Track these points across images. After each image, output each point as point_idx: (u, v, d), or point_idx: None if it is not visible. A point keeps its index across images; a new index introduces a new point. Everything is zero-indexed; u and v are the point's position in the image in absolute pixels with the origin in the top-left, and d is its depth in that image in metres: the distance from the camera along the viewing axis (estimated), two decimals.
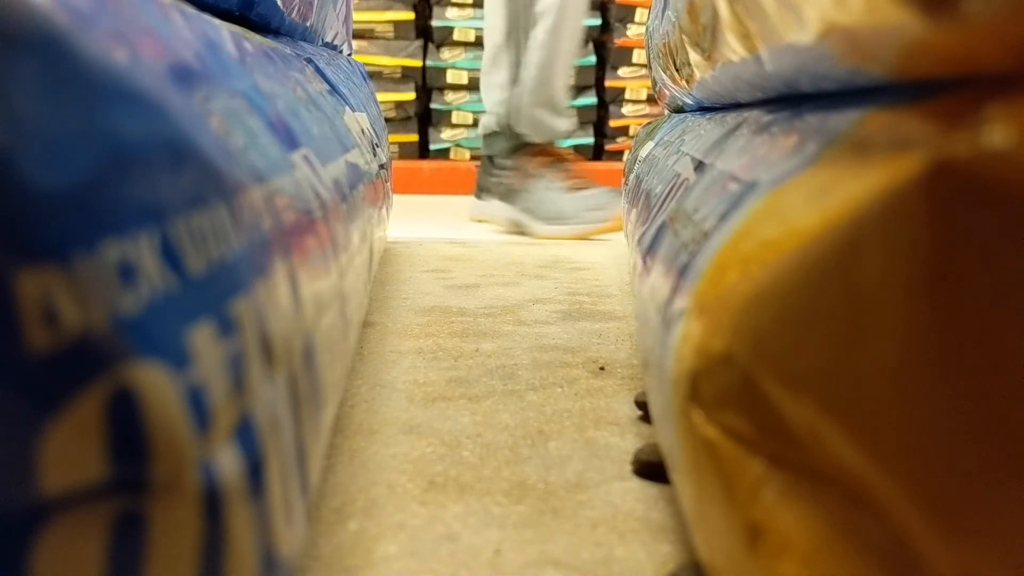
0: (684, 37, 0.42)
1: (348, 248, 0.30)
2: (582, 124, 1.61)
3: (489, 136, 1.05)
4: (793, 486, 0.15)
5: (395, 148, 1.59)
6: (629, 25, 1.63)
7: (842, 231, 0.15)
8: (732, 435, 0.17)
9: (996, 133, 0.12)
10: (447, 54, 1.60)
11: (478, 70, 1.13)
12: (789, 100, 0.29)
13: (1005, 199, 0.11)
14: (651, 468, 0.30)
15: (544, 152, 1.02)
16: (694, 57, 0.41)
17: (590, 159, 1.61)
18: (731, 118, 0.36)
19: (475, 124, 1.53)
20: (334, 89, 0.44)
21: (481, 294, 0.60)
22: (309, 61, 0.42)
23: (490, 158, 1.05)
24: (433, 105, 1.62)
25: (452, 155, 1.63)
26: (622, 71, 1.64)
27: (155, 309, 0.12)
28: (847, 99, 0.21)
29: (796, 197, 0.19)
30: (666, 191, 0.38)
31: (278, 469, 0.16)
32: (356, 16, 1.41)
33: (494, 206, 1.04)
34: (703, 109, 0.51)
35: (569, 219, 0.97)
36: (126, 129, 0.13)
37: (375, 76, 1.53)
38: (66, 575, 0.10)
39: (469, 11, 1.58)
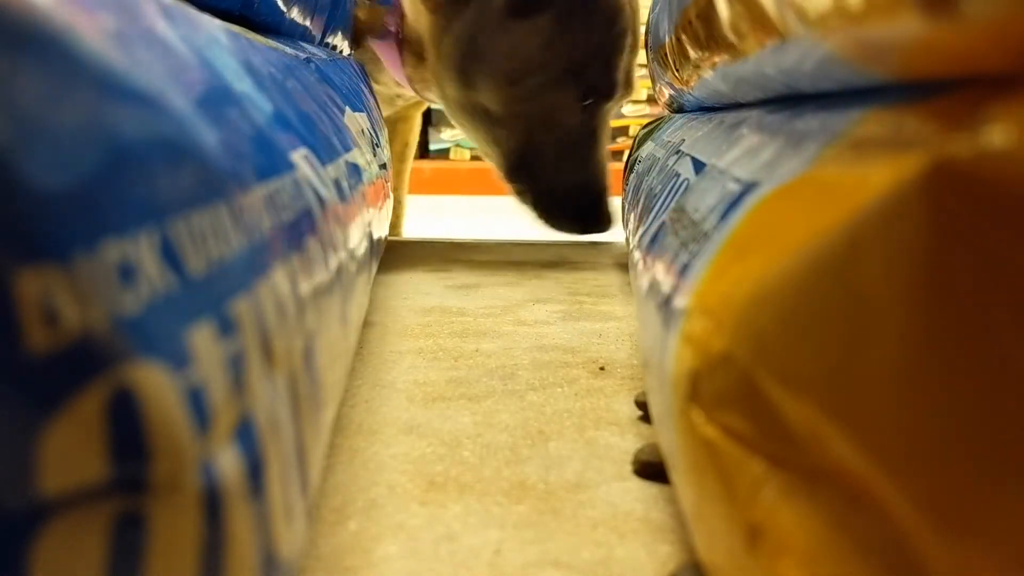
0: (684, 37, 0.42)
1: (348, 248, 0.30)
2: None
3: None
4: (793, 486, 0.15)
5: None
6: None
7: (842, 231, 0.15)
8: (732, 435, 0.17)
9: (996, 133, 0.12)
10: None
11: None
12: (789, 100, 0.29)
13: (1005, 199, 0.12)
14: (651, 468, 0.30)
15: None
16: (694, 57, 0.41)
17: None
18: (731, 118, 0.36)
19: None
20: (334, 89, 0.44)
21: (481, 294, 0.60)
22: (309, 61, 0.42)
23: None
24: (433, 105, 1.62)
25: (452, 155, 1.63)
26: None
27: (155, 309, 0.12)
28: (847, 99, 0.21)
29: (796, 197, 0.19)
30: (666, 191, 0.38)
31: (278, 469, 0.16)
32: None
33: None
34: (703, 109, 0.51)
35: None
36: (126, 128, 0.13)
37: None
38: (65, 575, 0.10)
39: None
